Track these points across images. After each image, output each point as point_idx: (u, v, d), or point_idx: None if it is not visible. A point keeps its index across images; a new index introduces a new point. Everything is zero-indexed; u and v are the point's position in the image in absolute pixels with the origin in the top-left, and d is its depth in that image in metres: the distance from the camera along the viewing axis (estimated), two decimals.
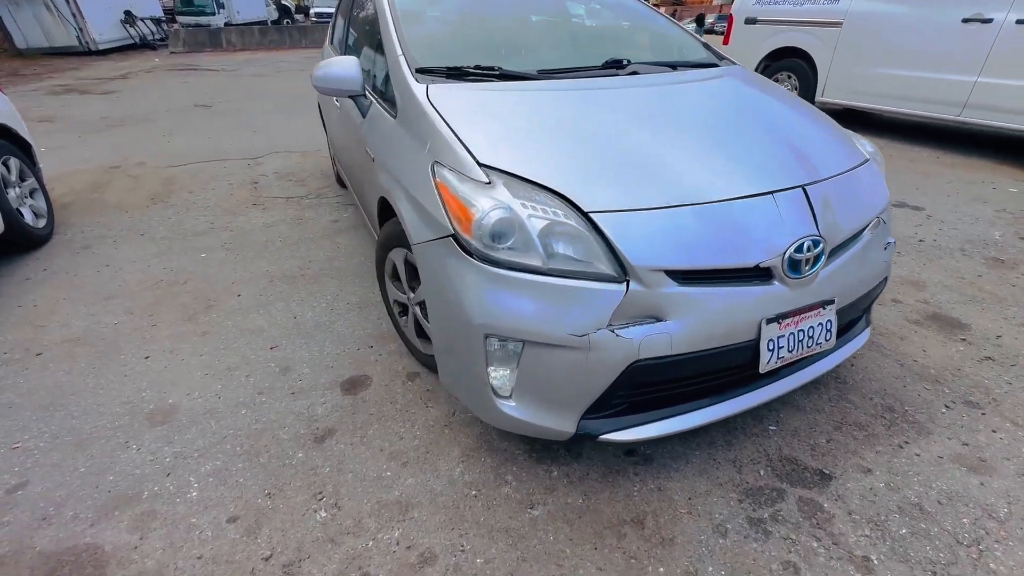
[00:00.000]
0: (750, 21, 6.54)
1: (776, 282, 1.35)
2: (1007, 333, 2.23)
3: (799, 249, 1.33)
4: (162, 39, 16.61)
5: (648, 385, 1.35)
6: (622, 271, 1.25)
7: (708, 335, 1.31)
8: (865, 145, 1.78)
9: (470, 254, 1.32)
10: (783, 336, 1.39)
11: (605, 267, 1.25)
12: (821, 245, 1.37)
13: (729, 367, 1.40)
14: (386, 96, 1.99)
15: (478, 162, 1.39)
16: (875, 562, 1.30)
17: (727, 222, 1.31)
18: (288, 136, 5.68)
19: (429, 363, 1.97)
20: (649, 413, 1.40)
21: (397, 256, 1.87)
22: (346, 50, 3.01)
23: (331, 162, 4.25)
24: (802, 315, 1.41)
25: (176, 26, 16.55)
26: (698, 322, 1.29)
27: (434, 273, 1.45)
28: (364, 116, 2.11)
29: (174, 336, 2.28)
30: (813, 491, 1.51)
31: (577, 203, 1.28)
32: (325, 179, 4.36)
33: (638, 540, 1.37)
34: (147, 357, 2.14)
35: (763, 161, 1.46)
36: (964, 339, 2.20)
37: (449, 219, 1.37)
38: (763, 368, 1.39)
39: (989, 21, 4.62)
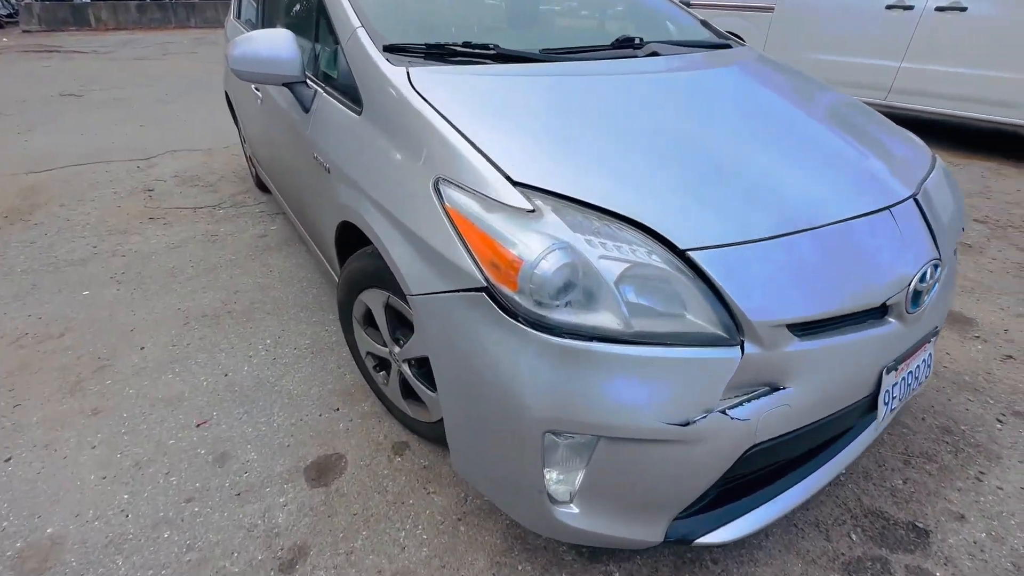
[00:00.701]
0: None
1: (893, 320, 1.07)
2: (1011, 326, 2.18)
3: (923, 277, 1.06)
4: (10, 15, 13.93)
5: (754, 470, 1.03)
6: (735, 329, 0.90)
7: (829, 398, 1.01)
8: (916, 139, 1.57)
9: (514, 316, 0.91)
10: (897, 384, 1.12)
11: (711, 325, 0.90)
12: (939, 268, 1.11)
13: (842, 430, 1.12)
14: (337, 83, 1.49)
15: (511, 180, 0.97)
16: None
17: (848, 250, 1.00)
18: (187, 130, 4.79)
19: (420, 429, 1.53)
20: (748, 499, 1.08)
21: (372, 299, 1.41)
22: (263, 23, 2.40)
23: (247, 161, 3.56)
24: (914, 354, 1.15)
25: (28, 0, 13.92)
26: (819, 384, 0.98)
27: (452, 339, 1.02)
28: (307, 110, 1.59)
29: (50, 420, 1.64)
30: (917, 555, 1.27)
31: (667, 237, 0.90)
32: (241, 182, 3.65)
33: None
34: (8, 459, 1.51)
35: (862, 166, 1.17)
36: (978, 336, 2.11)
37: (476, 264, 0.94)
38: (880, 425, 1.12)
39: (910, 8, 4.79)
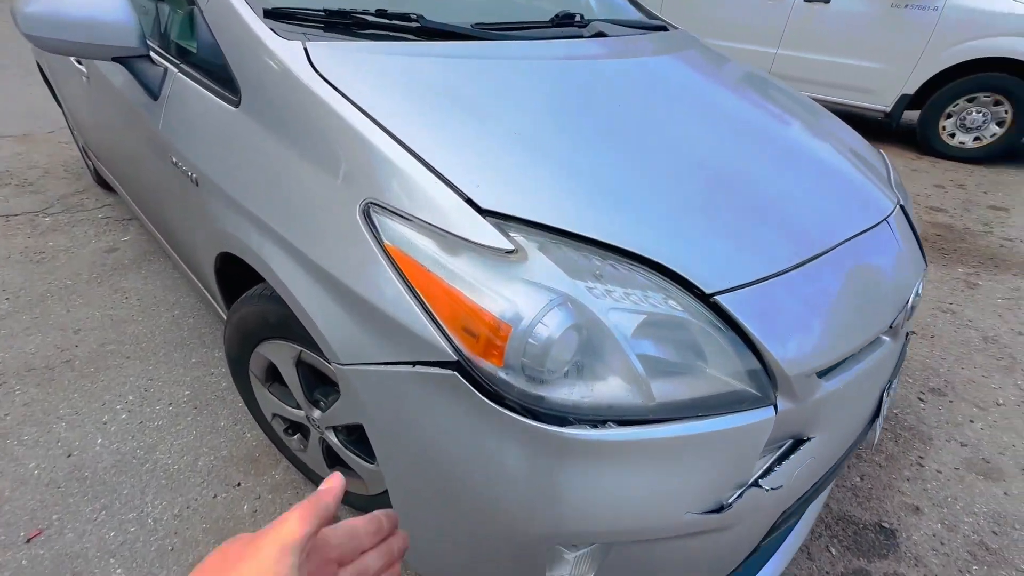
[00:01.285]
0: None
1: (887, 338, 0.99)
2: None
3: (916, 290, 0.99)
4: None
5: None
6: (768, 383, 0.74)
7: (844, 436, 0.90)
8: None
9: (500, 399, 0.66)
10: (885, 401, 1.06)
11: (741, 382, 0.72)
12: (924, 277, 1.05)
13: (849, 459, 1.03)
14: (199, 60, 1.09)
15: (478, 207, 0.71)
16: None
17: (862, 271, 0.88)
18: None
19: (355, 502, 1.24)
20: (765, 548, 0.95)
21: (277, 353, 1.07)
22: None
23: (81, 152, 2.82)
24: (899, 367, 1.09)
25: None
26: (837, 425, 0.87)
27: (403, 424, 0.75)
28: (156, 96, 1.16)
29: None
30: (890, 559, 1.27)
31: (690, 279, 0.70)
32: (75, 179, 2.90)
33: None
34: None
35: (852, 175, 1.06)
36: None
37: (442, 330, 0.67)
38: (874, 445, 1.05)
39: None
